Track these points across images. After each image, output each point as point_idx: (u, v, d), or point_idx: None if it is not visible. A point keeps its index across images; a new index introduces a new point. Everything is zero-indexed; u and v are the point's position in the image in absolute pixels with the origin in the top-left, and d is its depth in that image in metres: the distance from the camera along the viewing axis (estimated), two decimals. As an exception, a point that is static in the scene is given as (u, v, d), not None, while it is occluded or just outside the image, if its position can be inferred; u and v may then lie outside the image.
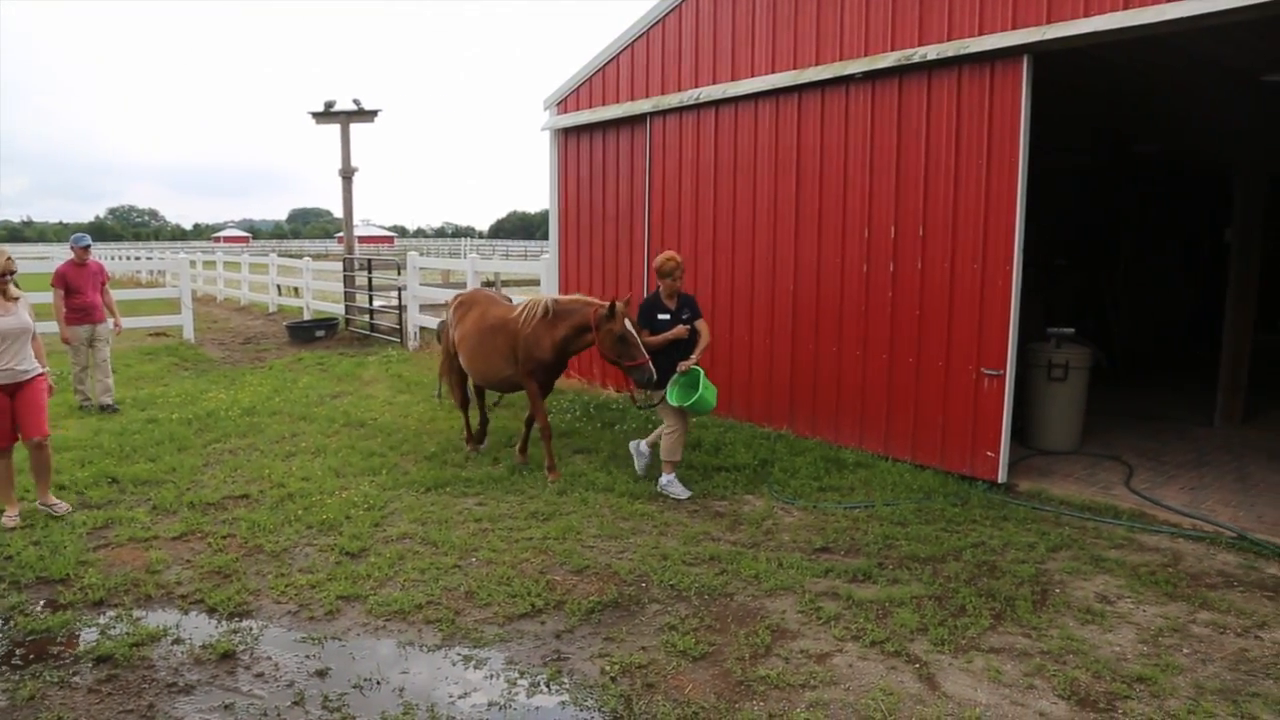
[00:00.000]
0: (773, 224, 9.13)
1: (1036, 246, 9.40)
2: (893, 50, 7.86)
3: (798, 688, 4.28)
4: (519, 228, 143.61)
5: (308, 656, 4.66)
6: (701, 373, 7.23)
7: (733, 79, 9.37)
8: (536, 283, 14.12)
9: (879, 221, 8.13)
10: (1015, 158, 7.11)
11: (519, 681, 4.40)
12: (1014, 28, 7.06)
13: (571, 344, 7.66)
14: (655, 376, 7.10)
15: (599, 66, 11.13)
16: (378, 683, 4.40)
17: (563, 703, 4.23)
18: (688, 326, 7.35)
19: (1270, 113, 9.49)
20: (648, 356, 7.09)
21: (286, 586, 5.44)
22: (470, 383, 8.64)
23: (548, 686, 4.36)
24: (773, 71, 8.93)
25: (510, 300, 8.73)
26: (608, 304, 7.24)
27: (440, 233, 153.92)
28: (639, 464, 7.75)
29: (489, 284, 20.44)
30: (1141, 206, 15.50)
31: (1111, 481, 7.71)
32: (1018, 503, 7.08)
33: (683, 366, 7.22)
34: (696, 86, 9.78)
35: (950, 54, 7.37)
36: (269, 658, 4.65)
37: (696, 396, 7.06)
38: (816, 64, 8.52)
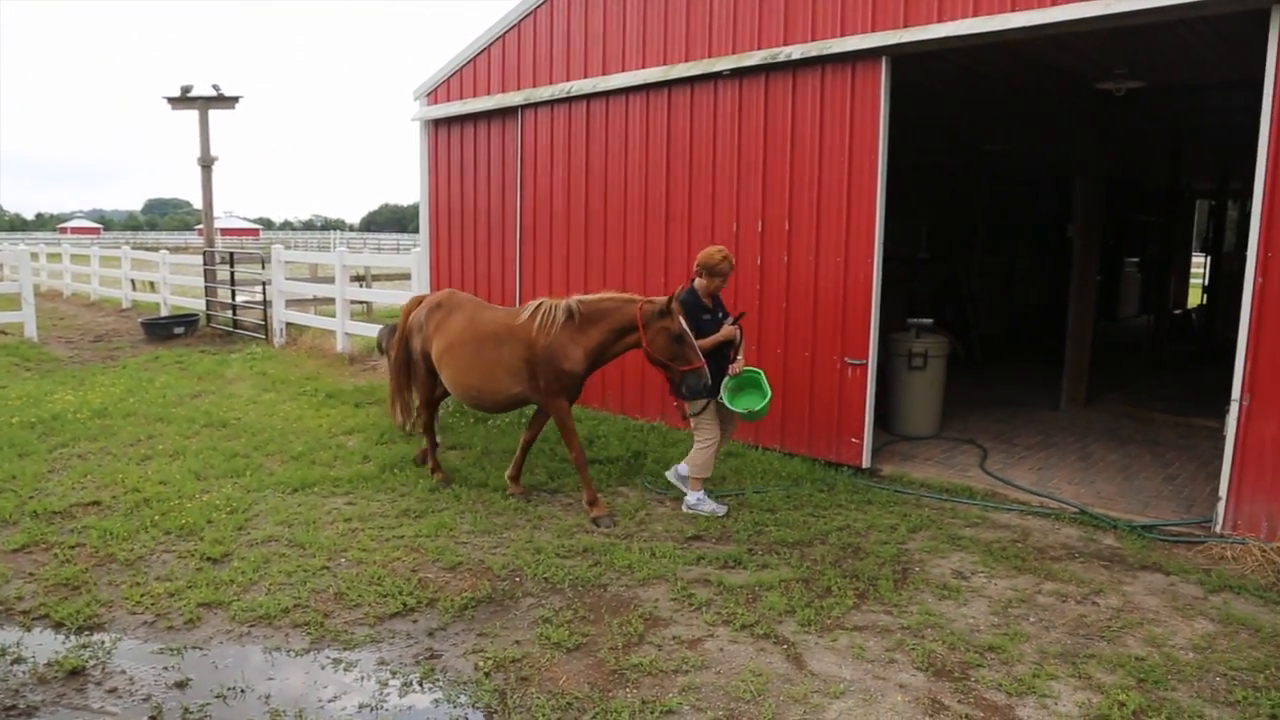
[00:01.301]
0: (644, 218, 9.23)
1: (899, 241, 9.86)
2: (760, 49, 8.04)
3: (670, 673, 4.36)
4: (391, 221, 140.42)
5: (166, 668, 4.46)
6: (761, 373, 6.74)
7: (604, 73, 9.41)
8: (407, 277, 13.85)
9: (747, 216, 8.32)
10: (875, 154, 7.39)
11: (391, 682, 4.34)
12: (873, 30, 7.33)
13: (608, 351, 6.62)
14: (710, 382, 6.32)
15: (470, 57, 11.00)
16: (242, 691, 4.26)
17: (436, 701, 4.19)
18: (736, 327, 6.67)
19: (1105, 118, 10.14)
20: (703, 359, 6.31)
21: (142, 596, 5.20)
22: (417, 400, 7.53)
23: (420, 685, 4.31)
24: (644, 67, 9.02)
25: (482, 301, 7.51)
26: (656, 300, 6.43)
27: (309, 225, 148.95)
28: (678, 482, 6.90)
29: (359, 278, 19.93)
30: (995, 203, 16.33)
31: (967, 464, 8.12)
32: (881, 486, 7.38)
33: (735, 368, 6.56)
34: (568, 80, 9.78)
35: (814, 54, 7.60)
36: (123, 672, 4.43)
37: (767, 399, 6.55)
38: (687, 60, 8.64)
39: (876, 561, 5.76)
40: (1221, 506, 6.20)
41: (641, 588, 5.35)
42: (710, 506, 6.70)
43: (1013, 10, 6.60)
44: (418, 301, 7.58)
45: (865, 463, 7.71)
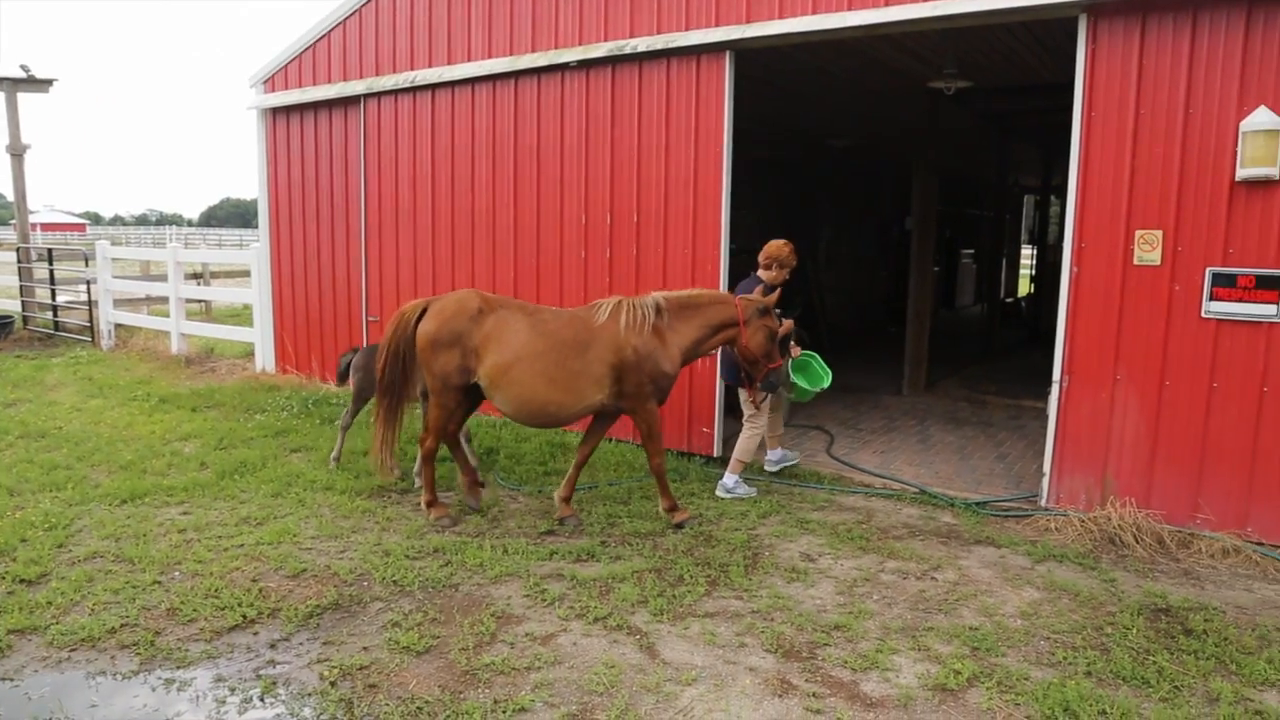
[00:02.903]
0: (492, 210, 9.10)
1: (748, 233, 10.03)
2: (606, 40, 8.04)
3: (523, 670, 4.30)
4: (234, 215, 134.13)
5: (-31, 702, 4.10)
6: (815, 355, 7.15)
7: (449, 62, 9.22)
8: (247, 274, 13.23)
9: (596, 208, 8.31)
10: (720, 147, 7.51)
11: (229, 699, 4.11)
12: (718, 24, 7.44)
13: (701, 347, 6.33)
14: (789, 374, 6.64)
15: (310, 43, 10.58)
16: (59, 720, 3.96)
17: (278, 715, 4.00)
18: (791, 320, 6.90)
19: (938, 115, 10.63)
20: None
21: (-57, 625, 4.76)
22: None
23: (262, 700, 4.11)
24: (490, 57, 8.88)
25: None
26: (753, 298, 6.31)
27: (143, 220, 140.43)
28: (737, 493, 6.96)
29: (196, 276, 18.95)
30: (840, 196, 16.90)
31: (815, 450, 8.36)
32: (733, 475, 7.50)
33: (796, 351, 6.98)
34: (412, 69, 9.54)
35: (659, 47, 7.65)
36: (-81, 709, 4.05)
37: (829, 377, 7.04)
38: (533, 51, 8.56)
39: (727, 548, 5.86)
40: (1046, 481, 6.60)
41: (494, 586, 5.27)
42: (745, 490, 6.94)
43: (850, 9, 6.82)
44: (418, 310, 6.27)
45: (717, 452, 7.84)
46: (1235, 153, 5.71)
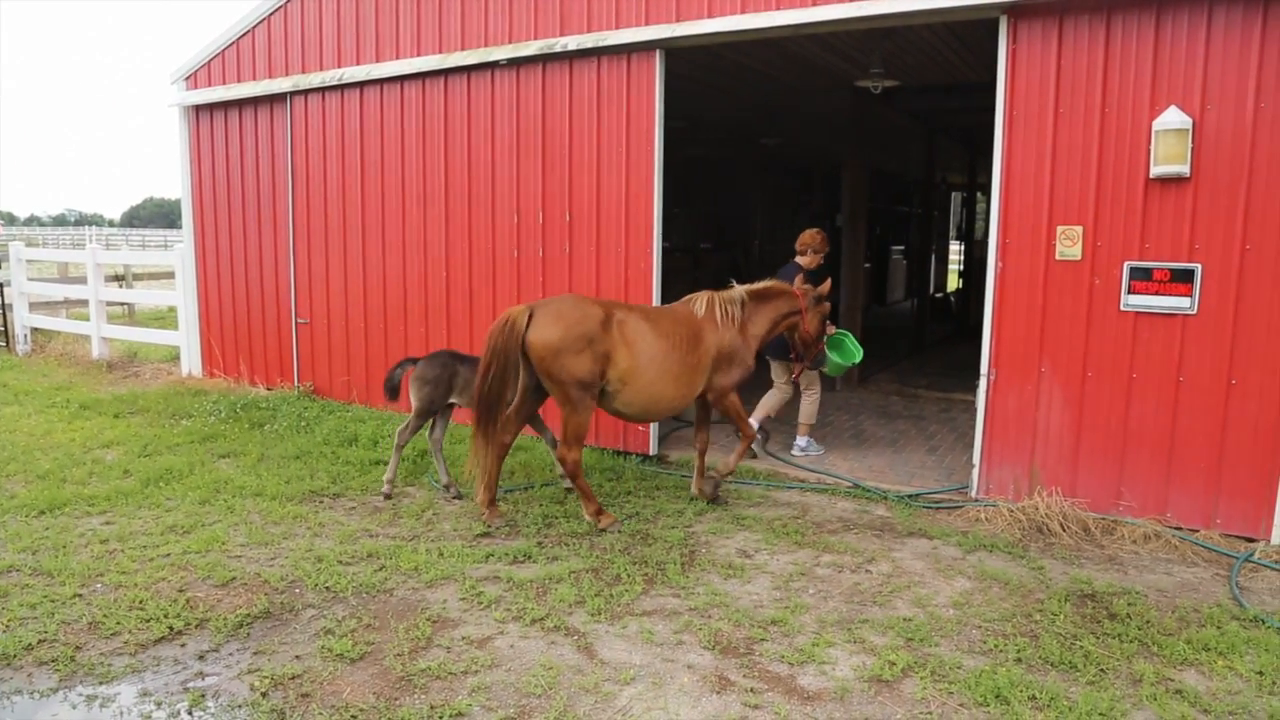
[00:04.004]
0: (423, 210, 8.99)
1: (682, 231, 10.13)
2: (536, 39, 7.99)
3: (460, 675, 4.26)
4: (158, 215, 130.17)
5: (-128, 728, 3.91)
6: (849, 334, 7.85)
7: (377, 60, 9.08)
8: (171, 275, 12.87)
9: (527, 207, 8.27)
10: (652, 145, 7.52)
11: (155, 714, 3.99)
12: (648, 23, 7.44)
13: (768, 336, 6.84)
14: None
15: (234, 38, 10.33)
16: (-28, 741, 3.80)
17: (206, 728, 3.90)
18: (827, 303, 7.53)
19: (866, 115, 10.79)
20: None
21: None
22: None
23: (190, 714, 4.00)
24: (419, 54, 8.76)
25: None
26: (808, 287, 6.91)
27: (61, 221, 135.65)
28: (813, 453, 8.03)
29: (119, 278, 18.38)
30: (772, 194, 17.08)
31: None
32: (668, 472, 7.54)
33: (831, 330, 7.53)
34: (340, 66, 9.37)
35: (590, 45, 7.63)
36: None
37: (861, 353, 7.78)
38: (463, 49, 8.47)
39: (665, 546, 5.87)
40: (975, 473, 6.74)
41: (429, 589, 5.21)
42: (817, 450, 8.06)
43: (778, 9, 6.88)
44: (509, 325, 6.01)
45: (653, 450, 7.86)
46: (1149, 151, 5.89)
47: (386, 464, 7.35)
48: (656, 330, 6.25)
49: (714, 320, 6.47)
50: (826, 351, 7.44)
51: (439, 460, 6.94)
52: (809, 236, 7.76)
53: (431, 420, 6.98)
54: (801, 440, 8.06)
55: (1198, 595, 5.21)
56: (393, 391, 6.98)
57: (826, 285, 6.95)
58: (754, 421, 7.57)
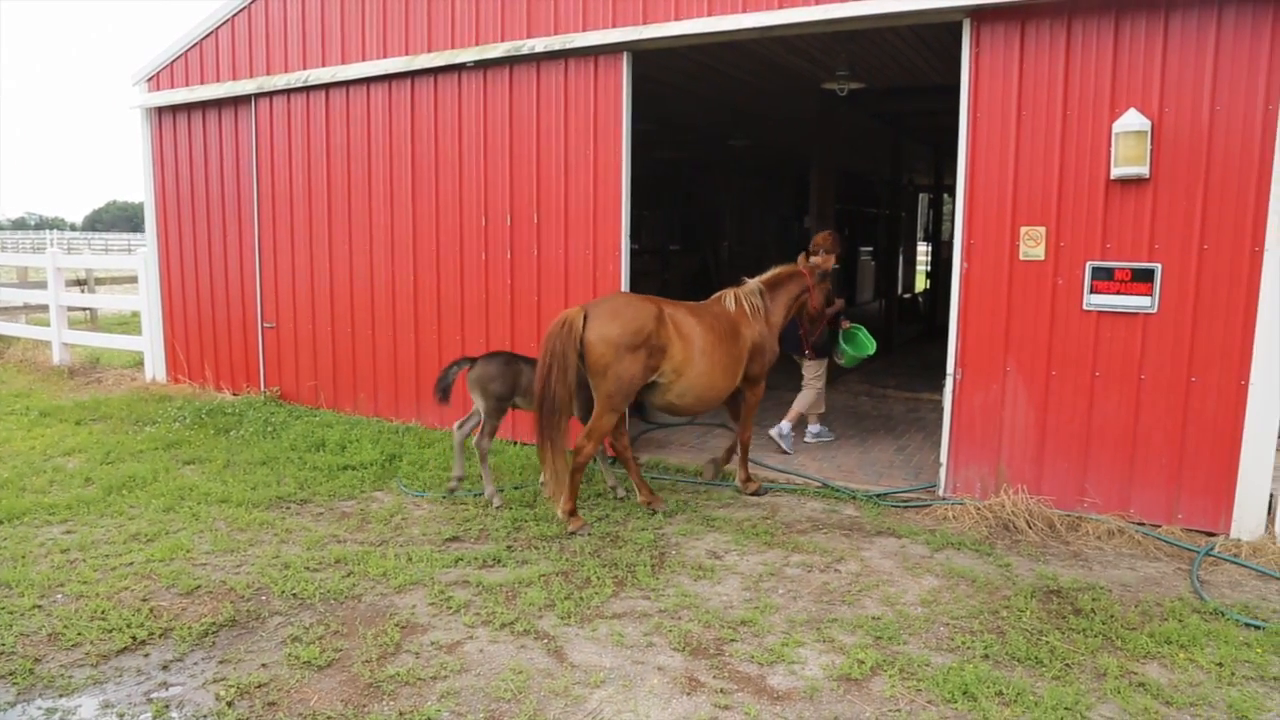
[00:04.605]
0: (390, 212, 8.94)
1: (651, 232, 10.15)
2: (504, 40, 7.97)
3: (429, 680, 4.23)
4: (120, 218, 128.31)
5: None
6: (862, 328, 8.24)
7: (344, 62, 9.02)
8: (134, 279, 12.69)
9: (495, 209, 8.25)
10: (619, 146, 7.52)
11: (117, 726, 3.94)
12: (615, 26, 7.45)
13: (788, 318, 7.27)
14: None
15: (196, 40, 10.21)
16: (-72, 759, 3.73)
17: (171, 739, 3.85)
18: (842, 300, 8.06)
19: (833, 117, 10.86)
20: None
21: None
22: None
23: (153, 724, 3.95)
24: (385, 56, 8.71)
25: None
26: (814, 263, 7.31)
27: (20, 224, 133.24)
28: (785, 445, 8.16)
29: (80, 282, 18.09)
30: (741, 195, 17.14)
31: (719, 448, 8.43)
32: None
33: (845, 324, 8.11)
34: (305, 68, 9.30)
35: (556, 47, 7.62)
36: None
37: (874, 345, 8.16)
38: (429, 50, 8.43)
39: (635, 548, 5.87)
40: (943, 472, 6.80)
41: (398, 595, 5.17)
42: (830, 435, 8.65)
43: (744, 11, 6.91)
44: (567, 326, 6.03)
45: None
46: (1110, 152, 5.97)
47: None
48: (703, 324, 6.47)
49: (745, 315, 6.80)
50: (842, 344, 8.01)
51: (458, 454, 6.92)
52: (822, 238, 7.88)
53: (470, 416, 6.92)
54: (814, 427, 8.61)
55: (1160, 589, 5.29)
56: (445, 393, 6.75)
57: (830, 260, 7.42)
58: (787, 422, 8.16)
